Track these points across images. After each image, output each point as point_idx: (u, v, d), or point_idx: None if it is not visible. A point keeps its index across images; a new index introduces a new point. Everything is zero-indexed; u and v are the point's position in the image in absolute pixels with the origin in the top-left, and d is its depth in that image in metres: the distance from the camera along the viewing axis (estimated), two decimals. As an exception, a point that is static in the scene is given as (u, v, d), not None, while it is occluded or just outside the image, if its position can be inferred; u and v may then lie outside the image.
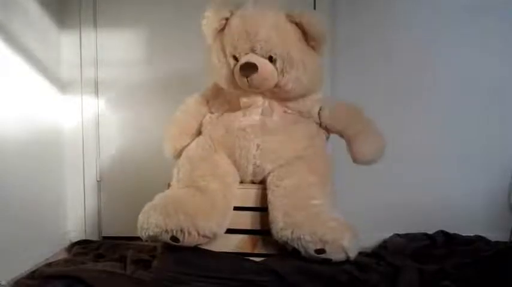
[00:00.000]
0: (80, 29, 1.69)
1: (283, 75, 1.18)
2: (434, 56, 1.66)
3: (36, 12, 1.51)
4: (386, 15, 1.67)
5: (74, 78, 1.69)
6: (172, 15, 1.70)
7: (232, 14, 1.20)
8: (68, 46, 1.68)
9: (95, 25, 1.71)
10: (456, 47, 1.65)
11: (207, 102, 1.32)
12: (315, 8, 1.64)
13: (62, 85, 1.66)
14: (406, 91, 1.67)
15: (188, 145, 1.27)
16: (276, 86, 1.19)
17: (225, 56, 1.21)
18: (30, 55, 1.44)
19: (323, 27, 1.19)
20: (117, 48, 1.72)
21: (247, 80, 1.16)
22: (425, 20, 1.66)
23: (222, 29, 1.22)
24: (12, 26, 1.33)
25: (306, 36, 1.19)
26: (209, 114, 1.29)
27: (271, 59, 1.17)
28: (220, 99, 1.30)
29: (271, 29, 1.16)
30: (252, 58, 1.16)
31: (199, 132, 1.30)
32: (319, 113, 1.27)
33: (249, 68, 1.15)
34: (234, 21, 1.19)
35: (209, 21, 1.21)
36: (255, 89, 1.19)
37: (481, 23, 1.63)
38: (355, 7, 1.67)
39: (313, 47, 1.21)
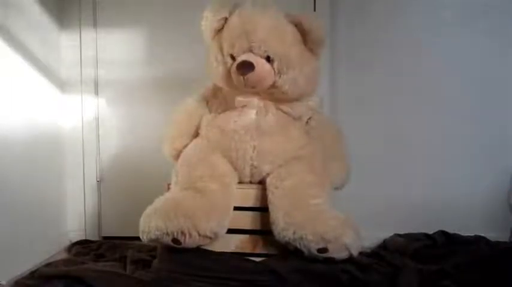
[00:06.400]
0: (80, 29, 1.69)
1: (280, 76, 1.18)
2: (435, 57, 1.65)
3: (36, 12, 1.51)
4: (385, 16, 1.67)
5: (73, 78, 1.69)
6: (172, 15, 1.69)
7: (231, 13, 1.20)
8: (68, 46, 1.68)
9: (95, 25, 1.71)
10: (456, 48, 1.65)
11: (207, 102, 1.32)
12: (314, 11, 1.64)
13: (62, 85, 1.66)
14: (406, 92, 1.67)
15: (187, 145, 1.27)
16: (272, 86, 1.19)
17: (223, 55, 1.21)
18: (30, 55, 1.43)
19: (323, 31, 1.20)
20: (117, 48, 1.72)
21: (244, 79, 1.16)
22: (425, 21, 1.66)
23: (221, 29, 1.22)
24: (12, 26, 1.33)
25: (305, 38, 1.19)
26: (206, 115, 1.29)
27: (268, 59, 1.17)
28: (219, 99, 1.30)
29: (270, 29, 1.16)
30: (250, 57, 1.16)
31: (198, 133, 1.30)
32: (307, 122, 1.29)
33: (246, 67, 1.14)
34: (233, 21, 1.19)
35: (208, 20, 1.21)
36: (251, 89, 1.19)
37: (482, 23, 1.63)
38: (354, 10, 1.67)
39: (311, 50, 1.21)
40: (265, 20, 1.16)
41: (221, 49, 1.21)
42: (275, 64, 1.17)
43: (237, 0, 1.22)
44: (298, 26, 1.19)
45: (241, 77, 1.16)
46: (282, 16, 1.19)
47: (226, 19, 1.21)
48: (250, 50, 1.17)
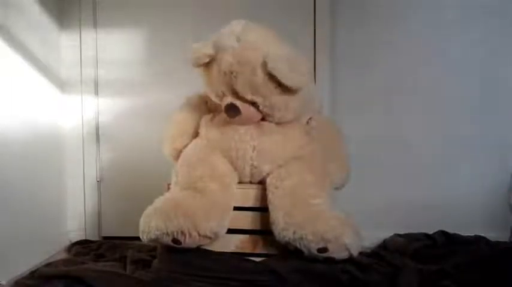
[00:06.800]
0: (80, 29, 1.70)
1: (267, 116, 1.20)
2: (435, 57, 1.66)
3: (36, 12, 1.51)
4: (385, 17, 1.67)
5: (73, 78, 1.69)
6: (172, 16, 1.70)
7: (213, 56, 1.17)
8: (68, 46, 1.68)
9: (95, 25, 1.71)
10: (456, 48, 1.65)
11: (207, 102, 1.32)
12: (314, 13, 1.64)
13: (62, 85, 1.66)
14: (406, 92, 1.67)
15: (187, 145, 1.27)
16: (263, 119, 1.21)
17: (212, 90, 1.22)
18: (30, 55, 1.44)
19: (296, 80, 1.13)
20: (117, 48, 1.72)
21: (231, 120, 1.18)
22: (425, 22, 1.66)
23: (209, 62, 1.20)
24: (12, 26, 1.33)
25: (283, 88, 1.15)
26: (206, 115, 1.29)
27: (254, 103, 1.17)
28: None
29: (250, 80, 1.14)
30: (235, 100, 1.17)
31: (198, 133, 1.30)
32: (307, 122, 1.29)
33: (232, 110, 1.16)
34: (216, 67, 1.17)
35: (193, 59, 1.19)
36: None
37: (482, 23, 1.63)
38: (354, 10, 1.67)
39: (291, 91, 1.16)
40: (246, 69, 1.13)
41: (210, 84, 1.22)
42: (260, 108, 1.18)
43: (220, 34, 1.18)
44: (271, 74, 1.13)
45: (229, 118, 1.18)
46: (259, 65, 1.13)
47: (211, 56, 1.18)
48: (235, 96, 1.17)
